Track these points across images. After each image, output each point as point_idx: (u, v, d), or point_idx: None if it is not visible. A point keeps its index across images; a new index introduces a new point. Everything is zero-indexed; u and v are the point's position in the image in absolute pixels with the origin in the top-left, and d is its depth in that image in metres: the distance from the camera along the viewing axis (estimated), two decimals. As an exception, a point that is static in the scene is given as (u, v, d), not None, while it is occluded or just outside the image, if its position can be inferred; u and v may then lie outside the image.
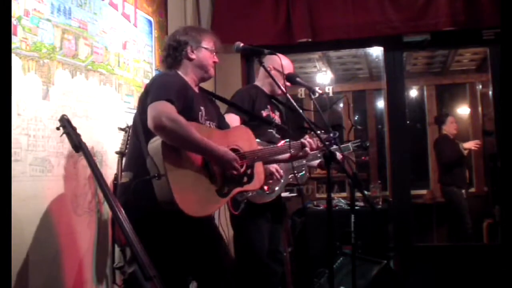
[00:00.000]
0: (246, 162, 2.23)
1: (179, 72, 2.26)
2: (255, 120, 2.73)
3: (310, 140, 2.56)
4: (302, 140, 2.55)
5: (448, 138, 5.54)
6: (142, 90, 3.24)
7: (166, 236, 2.07)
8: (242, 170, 2.19)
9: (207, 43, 2.30)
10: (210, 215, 2.30)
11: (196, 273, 2.24)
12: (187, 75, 2.26)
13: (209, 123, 2.27)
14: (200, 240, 2.20)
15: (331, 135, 2.45)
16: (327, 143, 2.34)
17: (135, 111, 3.12)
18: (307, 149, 2.52)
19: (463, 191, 5.44)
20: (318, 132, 2.37)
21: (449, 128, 5.57)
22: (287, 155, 2.51)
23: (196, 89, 2.30)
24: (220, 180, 2.13)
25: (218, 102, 2.56)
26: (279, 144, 2.80)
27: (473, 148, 5.39)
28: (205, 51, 2.28)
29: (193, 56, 2.26)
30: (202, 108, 2.24)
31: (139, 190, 1.99)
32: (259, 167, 2.37)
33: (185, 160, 2.01)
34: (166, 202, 1.92)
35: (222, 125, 2.42)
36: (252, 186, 2.32)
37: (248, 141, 2.35)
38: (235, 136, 2.30)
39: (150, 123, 1.94)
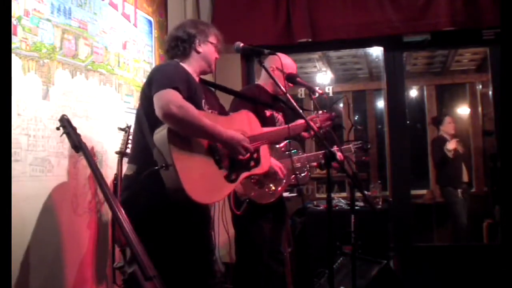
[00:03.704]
0: (252, 146, 2.23)
1: (181, 63, 2.26)
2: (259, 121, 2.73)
3: (312, 124, 2.60)
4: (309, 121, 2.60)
5: (442, 138, 5.52)
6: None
7: (167, 232, 2.07)
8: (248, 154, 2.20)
9: (214, 39, 2.33)
10: (220, 201, 2.30)
11: (186, 273, 2.23)
12: (190, 66, 2.28)
13: (211, 111, 2.29)
14: (196, 239, 2.21)
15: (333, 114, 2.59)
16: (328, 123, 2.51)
17: (135, 110, 3.14)
18: (311, 131, 2.59)
19: (459, 191, 5.43)
20: (316, 129, 2.38)
21: (446, 128, 5.56)
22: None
23: (197, 80, 2.31)
24: (228, 166, 2.13)
25: (221, 98, 2.57)
26: (281, 144, 2.81)
27: (455, 145, 5.38)
28: (211, 46, 2.32)
29: (200, 50, 2.28)
30: (204, 96, 2.26)
31: (145, 183, 1.98)
32: (264, 150, 2.37)
33: (191, 148, 2.01)
34: (175, 192, 1.92)
35: (223, 113, 2.43)
36: (260, 170, 2.32)
37: (252, 125, 2.36)
38: (239, 121, 2.31)
39: (158, 112, 1.94)
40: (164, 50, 2.38)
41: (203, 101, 2.23)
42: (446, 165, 5.39)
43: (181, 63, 2.26)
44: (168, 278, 1.99)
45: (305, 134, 2.68)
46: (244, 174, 2.21)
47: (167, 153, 1.92)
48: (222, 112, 2.43)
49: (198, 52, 2.28)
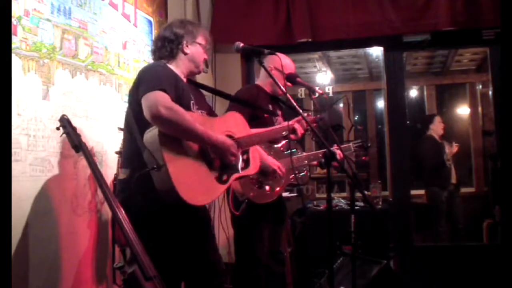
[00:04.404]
0: (241, 148, 2.24)
1: (168, 64, 2.25)
2: (256, 120, 2.73)
3: (299, 125, 2.63)
4: (294, 124, 2.63)
5: (432, 139, 5.49)
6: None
7: (165, 233, 2.07)
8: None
9: (202, 39, 2.30)
10: (211, 202, 2.30)
11: (188, 273, 2.23)
12: (178, 67, 2.26)
13: (201, 112, 2.28)
14: (195, 239, 2.21)
15: (318, 116, 2.64)
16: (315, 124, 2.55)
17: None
18: (298, 132, 2.63)
19: (445, 192, 5.40)
20: (317, 132, 2.37)
21: (437, 127, 5.53)
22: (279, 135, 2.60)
23: (185, 81, 2.30)
24: (218, 167, 2.13)
25: (220, 100, 2.57)
26: (279, 144, 2.81)
27: (455, 150, 5.36)
28: (199, 46, 2.29)
29: (187, 51, 2.26)
30: (192, 97, 2.25)
31: (139, 185, 1.98)
32: (254, 152, 2.37)
33: (183, 149, 2.00)
34: (167, 193, 1.91)
35: (212, 114, 2.43)
36: (249, 171, 2.32)
37: (241, 127, 2.35)
38: (228, 122, 2.30)
39: (147, 114, 1.93)
40: (151, 50, 2.37)
41: (192, 102, 2.22)
42: (441, 165, 5.36)
43: (168, 64, 2.24)
44: (169, 279, 1.99)
45: (292, 136, 2.67)
46: (234, 176, 2.20)
47: (159, 154, 1.91)
48: (211, 113, 2.43)
49: (186, 53, 2.26)
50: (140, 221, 2.00)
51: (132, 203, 2.04)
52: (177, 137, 1.99)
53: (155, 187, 1.94)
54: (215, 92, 2.65)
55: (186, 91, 2.20)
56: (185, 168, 1.97)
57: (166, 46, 2.26)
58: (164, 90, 1.97)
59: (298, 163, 2.82)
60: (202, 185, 2.04)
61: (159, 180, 1.93)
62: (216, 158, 2.12)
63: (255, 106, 2.75)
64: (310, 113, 2.75)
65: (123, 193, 2.12)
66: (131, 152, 2.11)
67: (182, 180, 1.91)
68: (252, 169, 2.33)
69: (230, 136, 2.21)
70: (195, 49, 2.28)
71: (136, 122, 2.07)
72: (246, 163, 2.30)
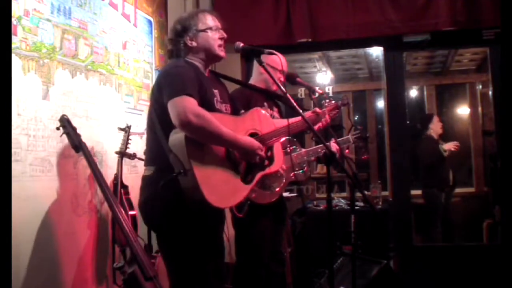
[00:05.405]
0: (266, 145, 2.22)
1: (188, 59, 2.20)
2: None
3: (320, 111, 2.62)
4: (318, 110, 2.61)
5: (431, 139, 5.48)
6: (142, 90, 3.25)
7: (187, 233, 2.05)
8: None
9: (202, 25, 2.21)
10: (237, 204, 2.27)
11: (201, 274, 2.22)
12: (196, 61, 2.21)
13: (224, 106, 2.25)
14: (212, 243, 2.19)
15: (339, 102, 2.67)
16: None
17: (135, 110, 3.14)
18: (323, 121, 2.61)
19: (443, 193, 5.39)
20: (317, 132, 2.36)
21: (436, 127, 5.51)
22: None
23: (206, 73, 2.25)
24: (244, 168, 2.13)
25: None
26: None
27: (452, 149, 5.32)
28: (203, 33, 2.20)
29: (193, 44, 2.19)
30: (216, 92, 2.21)
31: (166, 185, 1.98)
32: (277, 147, 2.35)
33: (209, 153, 2.00)
34: (193, 197, 1.92)
35: (235, 105, 2.37)
36: (274, 168, 2.30)
37: (265, 123, 2.32)
38: (251, 120, 2.27)
39: (175, 121, 1.91)
40: (167, 51, 2.33)
41: (215, 98, 2.18)
42: (440, 166, 5.34)
43: (187, 59, 2.18)
44: (183, 279, 2.01)
45: (319, 124, 2.64)
46: (259, 174, 2.20)
47: (185, 158, 1.90)
48: (233, 105, 2.36)
49: (192, 47, 2.19)
50: (161, 221, 2.02)
51: (155, 202, 2.03)
52: (205, 142, 1.98)
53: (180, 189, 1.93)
54: (238, 82, 2.61)
55: (209, 88, 2.16)
56: (211, 172, 1.97)
57: (173, 49, 2.22)
58: (190, 95, 1.94)
59: (298, 160, 2.83)
60: (228, 187, 2.04)
61: (185, 185, 1.92)
62: (242, 160, 2.12)
63: (272, 93, 2.73)
64: (330, 100, 2.76)
65: (148, 190, 2.10)
66: (155, 150, 2.09)
67: (209, 184, 1.91)
68: (276, 165, 2.31)
69: (254, 134, 2.19)
70: (200, 39, 2.19)
71: (160, 123, 2.04)
72: (270, 160, 2.28)
